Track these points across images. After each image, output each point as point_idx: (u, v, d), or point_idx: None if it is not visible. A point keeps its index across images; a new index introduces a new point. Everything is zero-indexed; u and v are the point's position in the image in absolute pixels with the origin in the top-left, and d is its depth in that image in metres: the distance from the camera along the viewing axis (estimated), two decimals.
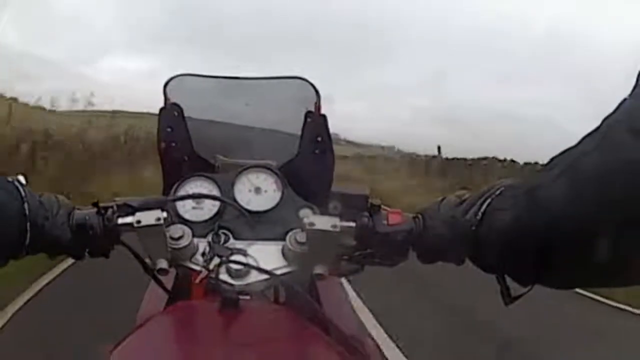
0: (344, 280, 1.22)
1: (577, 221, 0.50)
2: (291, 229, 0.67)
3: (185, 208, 0.71)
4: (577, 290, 0.61)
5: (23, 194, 0.62)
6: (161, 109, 0.80)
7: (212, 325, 0.58)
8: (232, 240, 0.68)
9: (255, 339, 0.56)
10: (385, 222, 0.67)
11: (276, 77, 0.85)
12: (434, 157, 19.44)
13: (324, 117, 0.77)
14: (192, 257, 0.66)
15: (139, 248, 0.66)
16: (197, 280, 0.63)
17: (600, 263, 0.49)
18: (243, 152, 0.83)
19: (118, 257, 0.70)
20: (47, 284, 4.09)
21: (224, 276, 0.63)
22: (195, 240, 0.66)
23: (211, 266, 0.63)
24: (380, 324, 3.30)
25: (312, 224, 0.62)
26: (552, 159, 0.54)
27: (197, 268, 0.64)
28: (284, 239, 0.67)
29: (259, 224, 0.70)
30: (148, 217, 0.62)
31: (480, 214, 0.59)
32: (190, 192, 0.73)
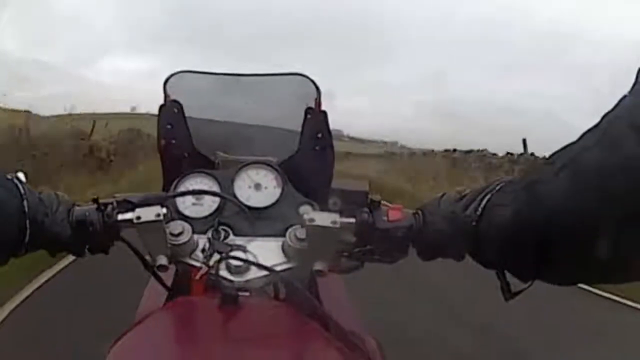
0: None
1: (577, 217, 0.50)
2: (291, 225, 0.67)
3: (185, 204, 0.71)
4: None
5: (22, 191, 0.62)
6: (161, 106, 0.80)
7: (212, 321, 0.58)
8: (232, 237, 0.68)
9: (255, 335, 0.56)
10: (385, 218, 0.67)
11: (276, 73, 0.85)
12: (509, 154, 14.22)
13: (324, 113, 0.77)
14: (191, 254, 0.66)
15: (138, 244, 0.66)
16: (197, 277, 0.63)
17: (600, 259, 0.49)
18: (243, 149, 0.83)
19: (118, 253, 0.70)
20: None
21: (223, 272, 0.63)
22: (195, 236, 0.66)
23: (211, 262, 0.63)
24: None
25: (312, 220, 0.62)
26: (552, 155, 0.54)
27: (197, 264, 0.64)
28: (284, 235, 0.67)
29: (259, 220, 0.70)
30: (148, 213, 0.62)
31: (480, 209, 0.59)
32: (190, 188, 0.73)
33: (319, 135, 0.76)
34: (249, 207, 0.71)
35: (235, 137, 0.87)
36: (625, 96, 0.50)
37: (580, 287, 3.01)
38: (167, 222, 0.64)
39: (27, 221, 0.61)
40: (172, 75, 0.82)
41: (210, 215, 0.70)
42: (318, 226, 0.62)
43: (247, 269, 0.64)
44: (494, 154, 15.52)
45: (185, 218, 0.69)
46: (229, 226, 0.69)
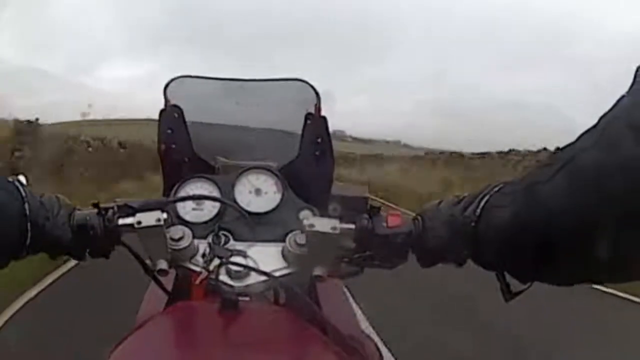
0: None
1: (575, 217, 0.50)
2: (291, 231, 0.67)
3: (186, 209, 0.71)
4: None
5: (24, 194, 0.62)
6: (161, 111, 0.80)
7: (212, 326, 0.58)
8: (232, 242, 0.69)
9: (255, 340, 0.56)
10: (384, 224, 0.67)
11: (276, 79, 0.85)
12: (545, 149, 12.92)
13: (324, 118, 0.77)
14: (192, 258, 0.66)
15: (139, 249, 0.66)
16: (197, 281, 0.63)
17: (600, 259, 0.49)
18: (243, 154, 0.84)
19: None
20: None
21: (223, 277, 0.63)
22: (196, 241, 0.66)
23: (211, 267, 0.63)
24: None
25: (311, 226, 0.62)
26: (551, 156, 0.55)
27: (197, 269, 0.64)
28: (283, 241, 0.67)
29: (259, 226, 0.70)
30: (148, 218, 0.62)
31: (479, 210, 0.59)
32: (191, 193, 0.73)
33: (319, 140, 0.76)
34: (249, 213, 0.71)
35: (235, 142, 0.88)
36: (623, 96, 0.50)
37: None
38: (167, 227, 0.64)
39: (28, 224, 0.61)
40: (172, 80, 0.83)
41: (211, 220, 0.71)
42: (318, 232, 0.62)
43: (247, 274, 0.64)
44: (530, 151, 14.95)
45: (185, 223, 0.69)
46: (229, 231, 0.69)
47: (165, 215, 0.63)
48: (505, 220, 0.56)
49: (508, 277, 0.60)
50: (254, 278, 0.64)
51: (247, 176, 0.75)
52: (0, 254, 0.60)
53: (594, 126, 0.51)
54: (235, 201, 0.72)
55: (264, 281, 0.64)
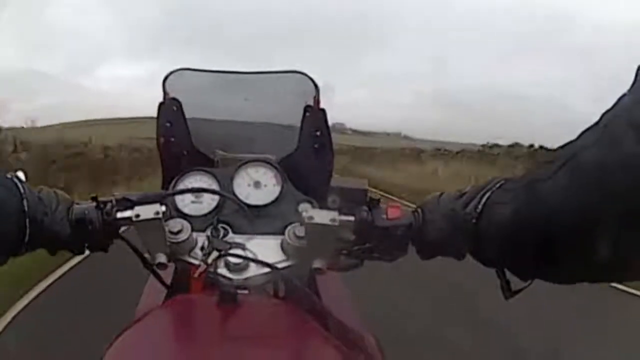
0: None
1: (576, 215, 0.50)
2: (290, 223, 0.67)
3: (185, 202, 0.71)
4: None
5: (22, 190, 0.61)
6: (160, 104, 0.79)
7: (210, 319, 0.58)
8: (231, 235, 0.68)
9: (254, 333, 0.56)
10: (384, 216, 0.67)
11: (275, 71, 0.85)
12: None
13: (323, 111, 0.77)
14: (191, 251, 0.66)
15: (138, 242, 0.66)
16: (196, 275, 0.63)
17: (601, 257, 0.49)
18: (242, 147, 0.83)
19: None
20: None
21: (222, 270, 0.63)
22: (194, 234, 0.66)
23: (210, 260, 0.63)
24: None
25: (311, 218, 0.62)
26: (553, 152, 0.54)
27: (196, 262, 0.64)
28: (283, 233, 0.67)
29: (258, 218, 0.70)
30: (147, 211, 0.62)
31: (480, 207, 0.59)
32: (190, 186, 0.73)
33: (318, 133, 0.76)
34: (248, 205, 0.71)
35: (234, 135, 0.87)
36: (624, 94, 0.50)
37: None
38: (166, 220, 0.64)
39: (27, 220, 0.61)
40: (171, 73, 0.82)
41: (210, 213, 0.70)
42: (317, 224, 0.62)
43: (246, 267, 0.64)
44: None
45: (184, 216, 0.69)
46: (228, 224, 0.69)
47: (163, 208, 0.62)
48: (506, 217, 0.56)
49: (508, 274, 0.60)
50: (253, 271, 0.64)
51: (246, 169, 0.74)
52: None
53: (596, 124, 0.51)
54: (234, 194, 0.72)
55: (263, 274, 0.64)
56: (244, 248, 0.66)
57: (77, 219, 0.65)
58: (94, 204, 0.66)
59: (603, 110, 0.51)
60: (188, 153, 0.80)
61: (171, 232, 0.64)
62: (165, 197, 0.69)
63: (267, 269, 0.64)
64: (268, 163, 0.75)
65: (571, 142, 0.53)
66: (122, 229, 0.67)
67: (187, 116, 0.80)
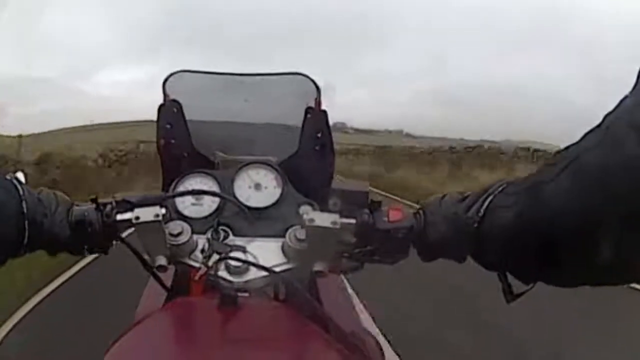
0: None
1: (579, 217, 0.50)
2: (291, 226, 0.67)
3: (185, 204, 0.71)
4: None
5: (21, 191, 0.61)
6: (160, 106, 0.79)
7: (211, 322, 0.58)
8: (231, 237, 0.68)
9: (254, 336, 0.55)
10: (385, 218, 0.66)
11: (276, 73, 0.85)
12: None
13: (324, 112, 0.76)
14: (191, 254, 0.65)
15: (138, 244, 0.65)
16: (196, 277, 0.63)
17: (604, 260, 0.49)
18: (243, 149, 0.83)
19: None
20: None
21: (223, 273, 0.63)
22: (195, 236, 0.66)
23: (210, 263, 0.63)
24: None
25: (312, 221, 0.61)
26: (554, 155, 0.54)
27: (196, 265, 0.64)
28: (283, 236, 0.66)
29: (259, 221, 0.70)
30: (147, 214, 0.61)
31: (482, 211, 0.59)
32: (190, 188, 0.72)
33: (319, 134, 0.76)
34: (249, 208, 0.71)
35: (234, 137, 0.87)
36: (626, 96, 0.50)
37: None
38: (166, 223, 0.63)
39: (26, 222, 0.60)
40: (171, 74, 0.82)
41: (210, 215, 0.70)
42: (318, 227, 0.61)
43: (246, 270, 0.63)
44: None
45: (184, 218, 0.69)
46: (228, 226, 0.69)
47: (163, 211, 0.62)
48: (509, 221, 0.56)
49: (510, 277, 0.60)
50: (253, 273, 0.63)
51: (246, 171, 0.74)
52: None
53: (598, 126, 0.51)
54: (234, 196, 0.72)
55: (263, 277, 0.64)
56: (244, 251, 0.65)
57: (77, 220, 0.65)
58: (94, 205, 0.66)
59: (603, 111, 0.51)
60: (188, 155, 0.80)
61: (171, 235, 0.64)
62: (165, 199, 0.69)
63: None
64: (269, 165, 0.75)
65: (573, 144, 0.53)
66: (122, 230, 0.67)
67: (187, 118, 0.80)
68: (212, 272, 0.62)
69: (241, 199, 0.71)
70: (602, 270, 0.52)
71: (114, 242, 0.69)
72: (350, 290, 1.09)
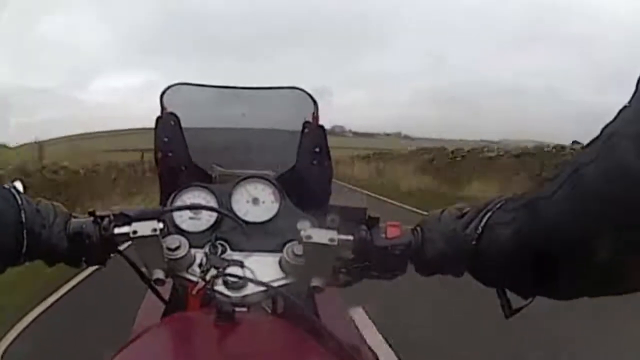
0: None
1: (577, 231, 0.50)
2: (289, 241, 0.67)
3: (182, 218, 0.71)
4: None
5: (20, 201, 0.61)
6: (158, 119, 0.79)
7: (208, 337, 0.57)
8: (229, 252, 0.68)
9: (251, 351, 0.55)
10: (383, 235, 0.66)
11: (273, 87, 0.85)
12: None
13: (321, 127, 0.77)
14: (188, 268, 0.65)
15: (136, 257, 0.65)
16: (194, 292, 0.63)
17: (602, 272, 0.49)
18: (241, 162, 0.83)
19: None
20: None
21: (220, 288, 0.63)
22: (192, 250, 0.66)
23: (208, 277, 0.63)
24: None
25: (309, 237, 0.61)
26: (554, 169, 0.54)
27: (194, 279, 0.64)
28: (281, 251, 0.66)
29: (257, 235, 0.70)
30: (144, 228, 0.61)
31: (480, 228, 0.59)
32: (188, 202, 0.72)
33: (317, 149, 0.76)
34: (247, 222, 0.71)
35: (232, 151, 0.87)
36: (625, 107, 0.49)
37: None
38: (164, 237, 0.63)
39: (24, 232, 0.60)
40: (168, 87, 0.82)
41: (208, 229, 0.70)
42: (316, 243, 0.61)
43: (244, 285, 0.63)
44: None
45: (182, 232, 0.69)
46: (226, 241, 0.69)
47: (161, 225, 0.62)
48: (507, 238, 0.56)
49: (508, 292, 0.60)
50: (251, 288, 0.63)
51: (244, 185, 0.74)
52: None
53: (596, 138, 0.50)
54: (232, 210, 0.71)
55: (261, 291, 0.63)
56: (242, 265, 0.65)
57: (75, 232, 0.65)
58: (91, 218, 0.66)
59: (604, 110, 0.50)
60: (186, 168, 0.80)
61: (169, 249, 0.64)
62: (163, 213, 0.69)
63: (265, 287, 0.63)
64: (267, 179, 0.75)
65: (573, 158, 0.52)
66: (120, 244, 0.67)
67: (185, 131, 0.80)
68: (209, 286, 0.62)
69: (239, 214, 0.71)
70: (600, 282, 0.52)
71: (112, 255, 0.69)
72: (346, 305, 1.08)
